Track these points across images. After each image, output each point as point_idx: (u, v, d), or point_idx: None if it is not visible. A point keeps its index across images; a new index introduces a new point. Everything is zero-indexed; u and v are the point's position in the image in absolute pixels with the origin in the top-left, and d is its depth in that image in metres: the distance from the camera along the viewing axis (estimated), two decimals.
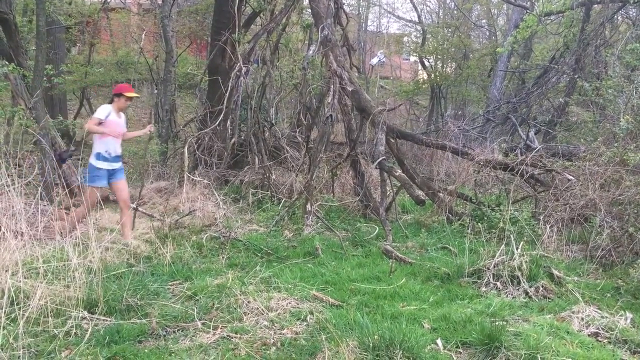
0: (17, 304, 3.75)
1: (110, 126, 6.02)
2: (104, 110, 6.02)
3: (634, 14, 11.71)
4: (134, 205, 7.44)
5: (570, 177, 6.76)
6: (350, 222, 7.57)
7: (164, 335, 3.81)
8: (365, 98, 8.13)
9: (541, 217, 6.37)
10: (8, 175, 4.75)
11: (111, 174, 6.10)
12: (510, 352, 3.55)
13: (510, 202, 6.81)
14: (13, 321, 3.66)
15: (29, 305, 3.78)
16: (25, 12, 13.02)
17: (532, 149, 9.14)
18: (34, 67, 7.91)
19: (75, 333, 3.72)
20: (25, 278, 4.08)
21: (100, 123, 6.00)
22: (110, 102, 6.19)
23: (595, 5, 11.61)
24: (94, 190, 5.97)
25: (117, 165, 6.17)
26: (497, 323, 3.92)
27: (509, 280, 4.86)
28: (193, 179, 7.79)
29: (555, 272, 5.01)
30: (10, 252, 4.12)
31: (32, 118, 7.37)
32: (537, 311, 4.38)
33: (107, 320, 3.95)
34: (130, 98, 6.19)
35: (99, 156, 5.99)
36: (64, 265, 4.24)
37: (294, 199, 7.71)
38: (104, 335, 3.68)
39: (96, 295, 4.10)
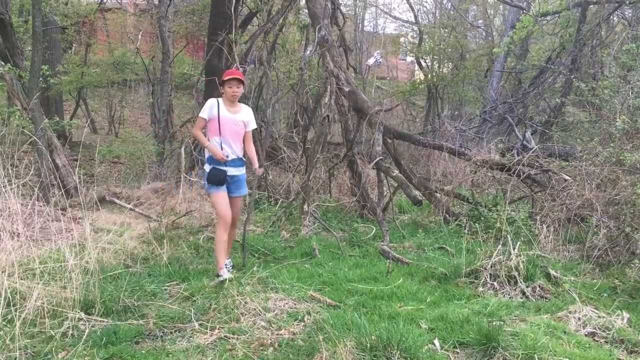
0: (14, 305, 3.74)
1: (221, 122, 4.95)
2: (207, 106, 4.97)
3: (630, 15, 11.74)
4: (130, 206, 7.43)
5: (567, 177, 6.77)
6: (347, 222, 7.57)
7: (161, 336, 3.80)
8: (362, 98, 8.14)
9: (538, 217, 6.38)
10: (4, 176, 4.74)
11: (230, 181, 5.04)
12: (508, 352, 3.56)
13: (507, 202, 6.82)
14: (9, 322, 3.65)
15: (26, 306, 3.77)
16: (21, 13, 13.02)
17: (528, 149, 9.15)
18: (30, 68, 7.90)
19: (72, 334, 3.71)
20: (21, 279, 4.07)
21: (206, 123, 5.01)
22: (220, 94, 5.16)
23: (592, 6, 11.63)
24: (218, 195, 4.97)
25: (238, 171, 5.08)
26: (494, 323, 3.93)
27: (506, 280, 4.87)
28: (190, 180, 7.79)
29: (552, 272, 5.02)
30: (7, 253, 4.12)
31: (28, 119, 7.36)
32: (534, 311, 4.39)
33: (104, 321, 3.94)
34: (230, 81, 4.92)
35: (211, 160, 4.99)
36: (61, 266, 4.22)
37: (291, 200, 7.71)
38: (101, 336, 3.67)
39: (93, 296, 4.09)
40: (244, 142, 5.16)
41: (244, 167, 5.17)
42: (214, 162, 4.96)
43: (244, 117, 5.09)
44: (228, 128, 4.96)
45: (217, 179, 4.94)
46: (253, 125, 5.18)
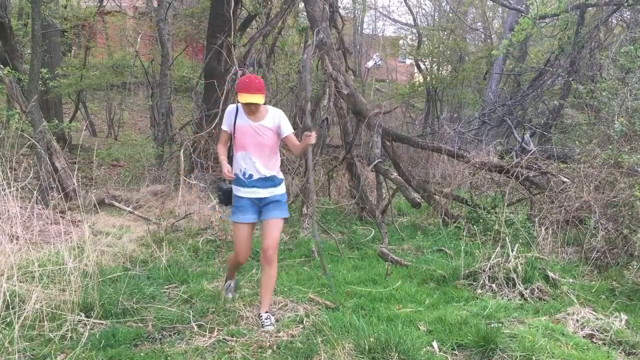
0: (13, 308, 3.74)
1: (240, 133, 4.06)
2: (225, 115, 4.17)
3: (628, 17, 11.76)
4: (129, 209, 7.43)
5: (565, 179, 6.78)
6: (346, 224, 7.58)
7: (160, 339, 3.81)
8: (360, 101, 8.16)
9: (536, 219, 6.39)
10: (3, 179, 4.74)
11: (260, 205, 4.12)
12: (506, 354, 3.57)
13: (506, 204, 6.83)
14: (8, 325, 3.65)
15: (25, 309, 3.77)
16: (20, 16, 13.02)
17: (527, 151, 9.17)
18: (30, 71, 7.91)
19: (71, 337, 3.71)
20: (20, 282, 4.08)
21: (229, 135, 4.17)
22: None
23: (590, 8, 11.66)
24: (236, 227, 4.14)
25: (267, 192, 4.08)
26: (492, 325, 3.94)
27: (505, 282, 4.88)
28: (189, 183, 7.79)
29: (551, 274, 5.04)
30: (6, 255, 4.12)
31: (27, 122, 7.37)
32: (532, 313, 4.40)
33: (103, 323, 3.95)
34: (248, 105, 3.97)
35: (236, 179, 4.11)
36: (60, 269, 4.23)
37: (289, 202, 7.72)
38: (100, 339, 3.68)
39: (92, 298, 4.10)
40: (292, 151, 4.31)
41: (279, 188, 4.15)
42: (239, 183, 4.11)
43: (271, 123, 4.07)
44: (249, 139, 4.03)
45: (224, 197, 4.24)
46: (288, 129, 4.12)
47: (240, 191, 4.09)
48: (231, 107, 4.15)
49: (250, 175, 4.04)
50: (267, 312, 4.11)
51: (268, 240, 4.06)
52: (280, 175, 4.17)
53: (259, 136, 4.03)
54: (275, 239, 4.10)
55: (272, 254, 4.09)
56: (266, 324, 4.00)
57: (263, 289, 4.14)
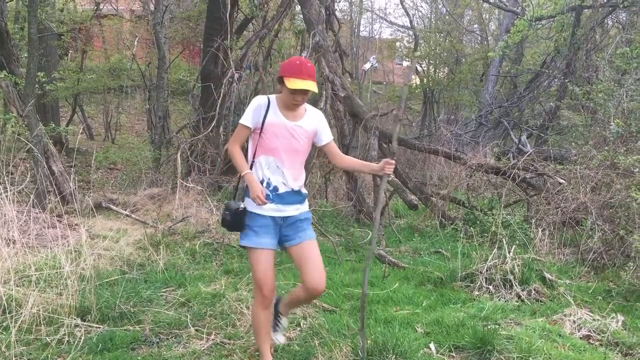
0: (9, 313, 3.74)
1: (270, 133, 3.19)
2: (252, 108, 3.20)
3: (624, 18, 11.81)
4: (126, 212, 7.42)
5: (562, 181, 6.81)
6: (343, 227, 7.58)
7: (157, 342, 3.80)
8: (357, 103, 8.17)
9: (533, 221, 6.41)
10: (0, 183, 4.74)
11: (282, 225, 3.25)
12: (503, 356, 3.57)
13: (503, 206, 6.85)
14: (5, 330, 3.65)
15: (21, 313, 3.77)
16: (17, 20, 13.00)
17: (524, 152, 9.19)
18: (26, 75, 7.89)
19: (67, 341, 3.71)
20: (17, 286, 4.08)
21: (250, 134, 3.26)
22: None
23: (586, 10, 11.70)
24: (254, 254, 3.18)
25: (293, 209, 3.25)
26: (489, 326, 3.95)
27: (502, 283, 4.89)
28: (186, 185, 7.79)
29: (547, 275, 5.05)
30: (3, 260, 4.12)
31: (24, 125, 7.35)
32: (529, 314, 4.40)
33: (100, 327, 3.94)
34: (296, 92, 3.09)
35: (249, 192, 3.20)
36: (57, 272, 4.23)
37: None
38: (97, 342, 3.67)
39: (89, 302, 4.09)
40: (334, 161, 3.52)
41: (305, 204, 3.35)
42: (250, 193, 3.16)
43: (310, 125, 3.28)
44: (282, 142, 3.19)
45: (232, 220, 3.22)
46: (328, 135, 3.40)
47: (263, 207, 3.17)
48: (261, 100, 3.23)
49: (276, 188, 3.20)
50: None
51: (315, 273, 3.20)
52: (305, 190, 3.37)
53: (294, 140, 3.21)
54: (323, 270, 3.28)
55: (321, 285, 3.24)
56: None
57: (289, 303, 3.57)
